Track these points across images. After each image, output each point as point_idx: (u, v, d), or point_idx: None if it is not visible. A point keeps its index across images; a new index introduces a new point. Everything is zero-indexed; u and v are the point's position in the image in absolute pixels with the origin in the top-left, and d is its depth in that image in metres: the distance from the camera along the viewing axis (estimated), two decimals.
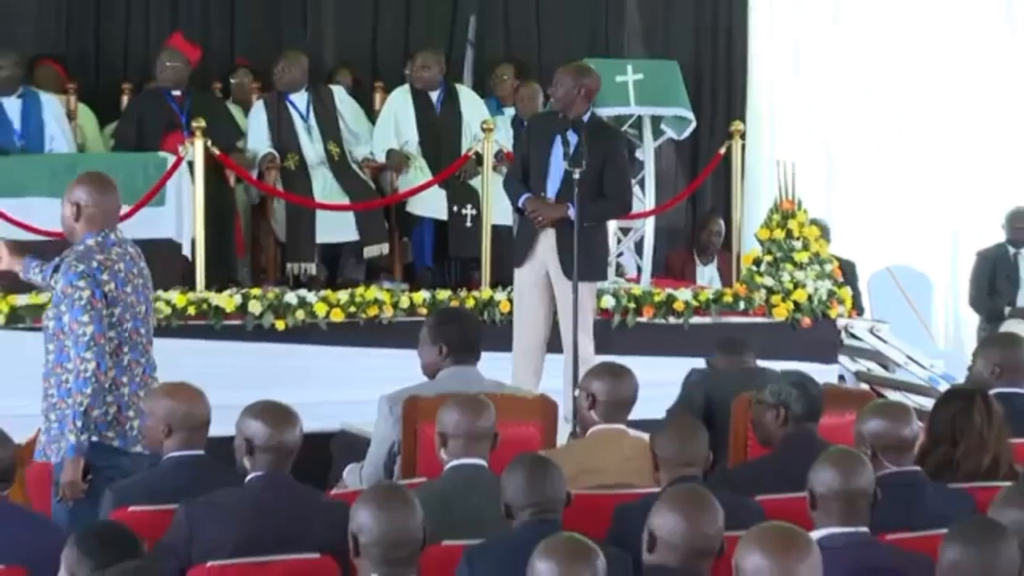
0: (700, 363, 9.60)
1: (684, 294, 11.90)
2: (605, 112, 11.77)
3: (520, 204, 10.15)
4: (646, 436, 6.96)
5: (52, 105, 12.08)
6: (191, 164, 11.21)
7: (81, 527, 5.57)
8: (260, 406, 6.59)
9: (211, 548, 5.92)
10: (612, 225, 11.69)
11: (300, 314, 11.19)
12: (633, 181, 11.87)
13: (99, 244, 7.44)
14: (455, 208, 12.24)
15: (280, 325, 11.12)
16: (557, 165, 9.88)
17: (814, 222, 12.50)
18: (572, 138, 9.73)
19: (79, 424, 7.28)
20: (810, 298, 11.92)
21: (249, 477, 6.30)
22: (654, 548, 5.18)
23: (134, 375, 7.58)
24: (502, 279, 11.31)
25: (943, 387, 9.75)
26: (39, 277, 7.76)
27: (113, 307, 7.41)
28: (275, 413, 6.47)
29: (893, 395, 11.43)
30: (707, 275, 13.09)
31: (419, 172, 12.27)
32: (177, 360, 9.96)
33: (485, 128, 11.91)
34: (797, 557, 4.65)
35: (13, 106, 11.90)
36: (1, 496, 6.28)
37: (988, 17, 14.28)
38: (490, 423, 6.52)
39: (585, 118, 9.99)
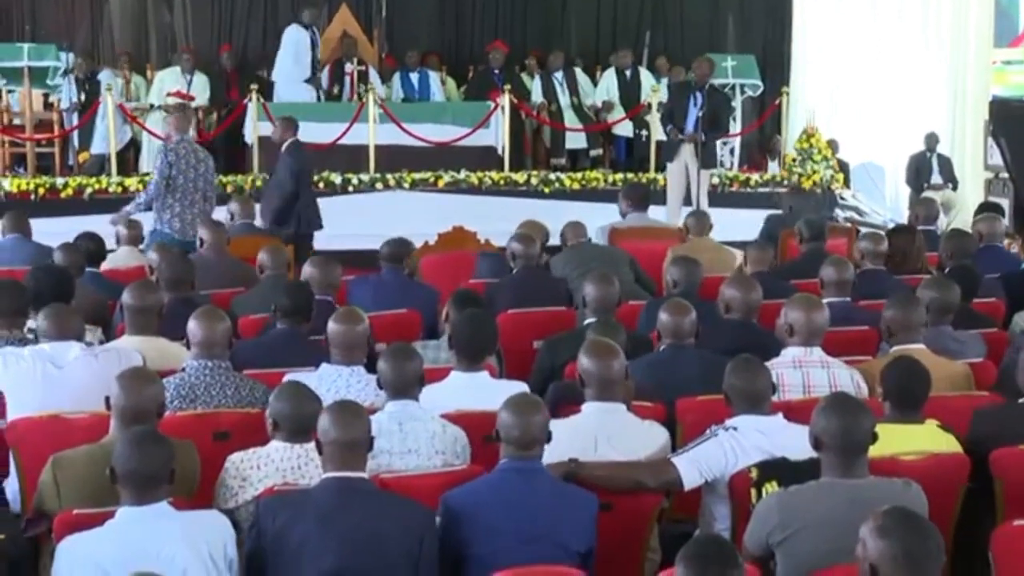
0: (765, 212, 9.59)
1: (755, 176, 11.84)
2: (717, 82, 11.42)
3: (667, 131, 9.96)
4: (734, 250, 6.91)
5: (434, 77, 12.29)
6: (503, 108, 11.34)
7: (457, 293, 5.07)
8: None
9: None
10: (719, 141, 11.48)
11: (556, 184, 11.21)
12: (731, 116, 11.79)
13: (177, 142, 7.70)
14: (636, 131, 12.27)
15: (547, 189, 11.15)
16: (692, 111, 9.71)
17: (829, 141, 12.24)
18: (699, 96, 9.63)
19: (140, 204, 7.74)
20: (821, 178, 11.80)
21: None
22: (729, 311, 4.98)
23: (181, 202, 7.65)
24: (659, 166, 11.17)
25: (891, 225, 9.47)
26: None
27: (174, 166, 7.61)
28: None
29: (864, 229, 10.99)
30: (771, 165, 12.86)
31: (619, 112, 12.31)
32: (498, 205, 10.35)
33: (652, 90, 11.94)
34: (818, 310, 4.60)
35: (414, 77, 12.17)
36: (406, 275, 6.17)
37: (912, 30, 13.84)
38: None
39: (706, 85, 9.89)
